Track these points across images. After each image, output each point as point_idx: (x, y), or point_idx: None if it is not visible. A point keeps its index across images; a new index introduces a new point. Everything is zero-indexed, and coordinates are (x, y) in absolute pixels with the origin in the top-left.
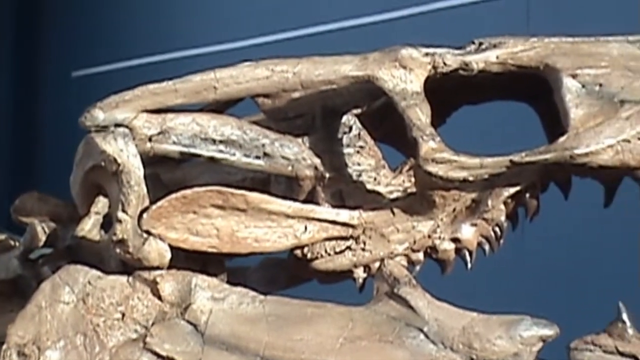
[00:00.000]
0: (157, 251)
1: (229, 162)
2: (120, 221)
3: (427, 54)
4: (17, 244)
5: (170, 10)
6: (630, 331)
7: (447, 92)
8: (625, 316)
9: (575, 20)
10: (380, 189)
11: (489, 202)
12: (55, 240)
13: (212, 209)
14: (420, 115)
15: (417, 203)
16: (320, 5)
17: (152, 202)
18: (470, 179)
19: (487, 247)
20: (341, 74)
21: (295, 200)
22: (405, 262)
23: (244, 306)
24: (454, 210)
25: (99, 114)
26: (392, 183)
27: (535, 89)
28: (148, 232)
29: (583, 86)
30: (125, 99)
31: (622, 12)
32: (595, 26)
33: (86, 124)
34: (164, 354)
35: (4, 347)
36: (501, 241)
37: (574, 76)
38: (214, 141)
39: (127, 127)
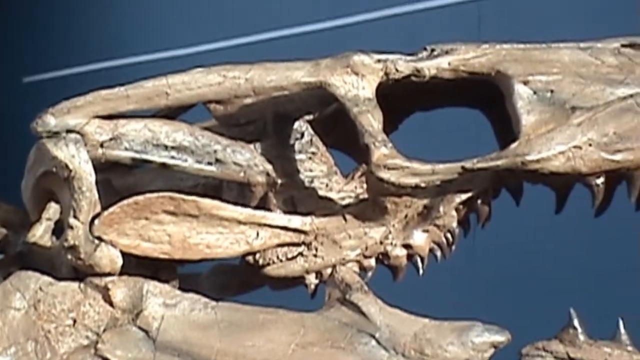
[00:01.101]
0: (108, 257)
1: (181, 168)
2: (71, 227)
3: (379, 61)
4: None
5: (122, 17)
6: (581, 337)
7: (399, 99)
8: (576, 322)
9: (526, 26)
10: (332, 195)
11: (441, 209)
12: (7, 246)
13: (164, 215)
14: (372, 121)
15: (369, 209)
16: (271, 12)
17: (104, 208)
18: (422, 185)
19: (438, 253)
20: (293, 80)
21: (247, 206)
22: (357, 268)
23: (196, 312)
24: (406, 216)
25: (50, 120)
26: (344, 189)
27: (487, 96)
28: (99, 239)
29: (534, 93)
30: (77, 105)
31: (574, 16)
32: (547, 33)
33: (38, 129)
34: None
35: None
36: (453, 247)
37: (525, 83)
38: (165, 147)
39: (79, 133)
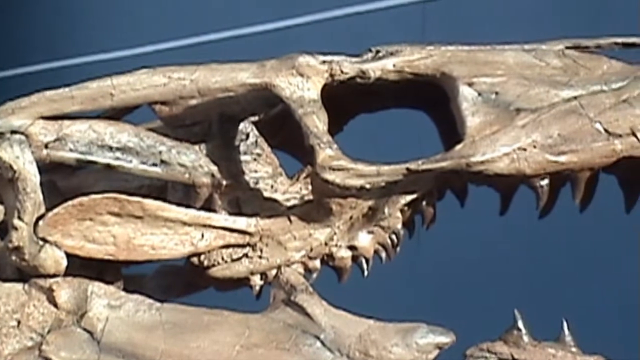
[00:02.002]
0: (53, 258)
1: (125, 169)
2: (16, 228)
3: (324, 62)
4: None
5: (66, 18)
6: (526, 338)
7: (344, 100)
8: (520, 323)
9: (471, 28)
10: (277, 196)
11: (386, 210)
12: None
13: (109, 216)
14: (317, 122)
15: (314, 211)
16: (217, 13)
17: (49, 210)
18: (367, 186)
19: (383, 254)
20: (238, 81)
21: (192, 207)
22: (302, 270)
23: (141, 314)
24: (351, 217)
25: None
26: (289, 190)
27: (432, 97)
28: (44, 240)
29: (479, 94)
30: (21, 106)
31: (519, 18)
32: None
33: None
34: None
35: None
36: (398, 249)
37: (470, 84)
38: (110, 148)
39: (24, 133)
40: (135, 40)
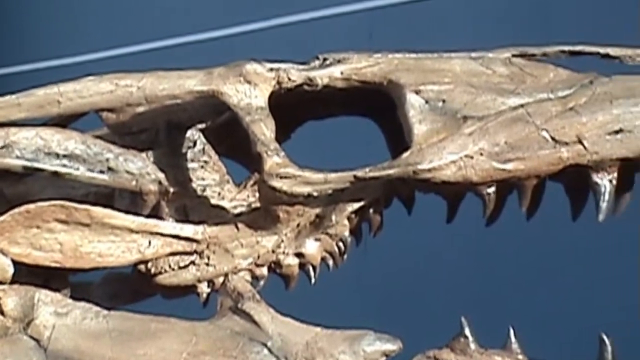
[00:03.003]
0: None
1: (72, 177)
2: None
3: (271, 69)
4: None
5: (11, 25)
6: (472, 346)
7: (291, 108)
8: (467, 331)
9: (418, 36)
10: (225, 203)
11: (333, 218)
12: None
13: (56, 224)
14: (264, 130)
15: (261, 218)
16: (164, 20)
17: None
18: (315, 194)
19: (330, 262)
20: (186, 88)
21: (139, 214)
22: (249, 277)
23: (87, 321)
24: (298, 225)
25: None
26: (236, 198)
27: (379, 105)
28: None
29: (426, 102)
30: None
31: (465, 26)
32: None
33: None
34: None
35: None
36: (345, 256)
37: (417, 92)
38: (57, 155)
39: None
40: (81, 47)
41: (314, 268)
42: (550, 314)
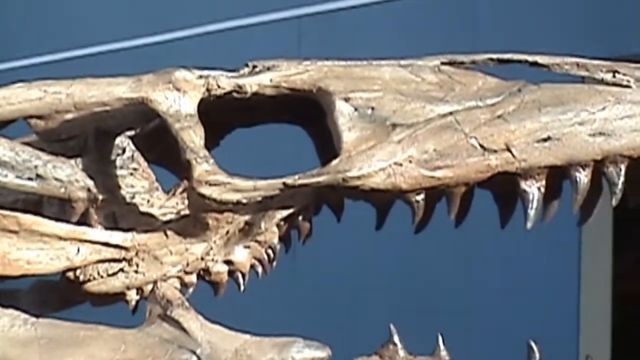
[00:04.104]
0: None
1: (1, 184)
2: None
3: (200, 77)
4: None
5: None
6: (402, 353)
7: (220, 115)
8: (396, 338)
9: (347, 43)
10: (154, 211)
11: (262, 225)
12: None
13: None
14: (193, 137)
15: (190, 225)
16: (92, 27)
17: None
18: (244, 201)
19: (260, 269)
20: (115, 95)
21: (68, 222)
22: (178, 284)
23: (16, 329)
24: (227, 232)
25: None
26: (165, 205)
27: (309, 112)
28: None
29: (355, 109)
30: None
31: (394, 33)
32: (367, 50)
33: None
34: None
35: None
36: (274, 263)
37: (346, 99)
38: None
39: None
40: (10, 54)
41: (243, 275)
42: (479, 321)
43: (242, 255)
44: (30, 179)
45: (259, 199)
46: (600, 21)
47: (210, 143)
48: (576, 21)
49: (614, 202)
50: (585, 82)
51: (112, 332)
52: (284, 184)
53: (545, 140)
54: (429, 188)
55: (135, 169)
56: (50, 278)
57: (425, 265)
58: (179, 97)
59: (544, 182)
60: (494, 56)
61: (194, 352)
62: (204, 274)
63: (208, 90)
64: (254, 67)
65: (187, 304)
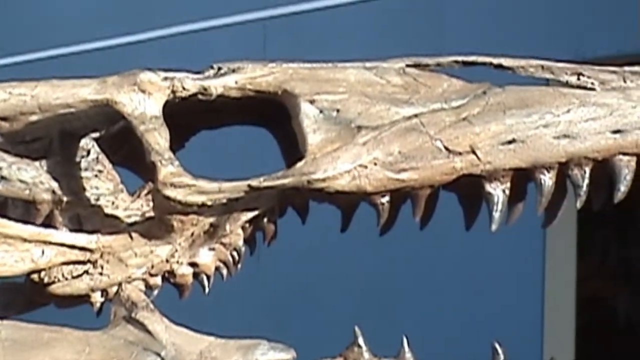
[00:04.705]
0: None
1: None
2: None
3: (165, 78)
4: None
5: None
6: (367, 355)
7: (186, 117)
8: (361, 340)
9: (312, 45)
10: (119, 213)
11: (227, 227)
12: None
13: None
14: (158, 139)
15: (155, 227)
16: (57, 28)
17: None
18: (209, 203)
19: (224, 271)
20: (79, 97)
21: (32, 224)
22: (143, 287)
23: None
24: (192, 234)
25: None
26: (130, 207)
27: (274, 114)
28: None
29: (321, 112)
30: None
31: (359, 36)
32: (332, 52)
33: None
34: None
35: None
36: (239, 265)
37: (311, 102)
38: None
39: None
40: None
41: (208, 277)
42: (443, 323)
43: (207, 258)
44: None
45: (224, 201)
46: (565, 24)
47: (176, 145)
48: (541, 24)
49: (579, 205)
50: (549, 84)
51: (77, 334)
52: (249, 186)
53: (510, 142)
54: (393, 190)
55: (100, 171)
56: (14, 280)
57: (390, 267)
58: (143, 99)
59: (508, 185)
60: (459, 58)
61: (158, 355)
62: (168, 276)
63: (173, 92)
64: (219, 69)
65: (151, 306)
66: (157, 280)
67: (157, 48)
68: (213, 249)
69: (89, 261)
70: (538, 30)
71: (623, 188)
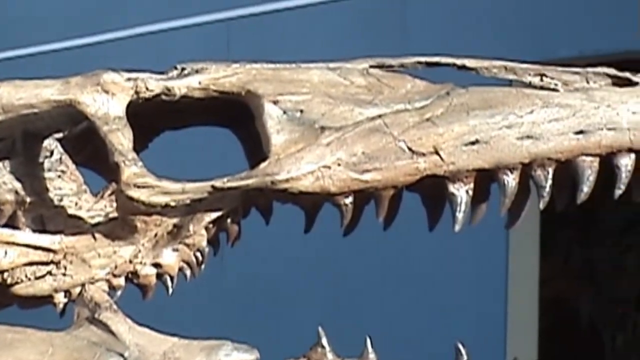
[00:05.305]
0: None
1: None
2: None
3: (129, 79)
4: None
5: None
6: (330, 356)
7: (149, 117)
8: (324, 341)
9: (275, 46)
10: (82, 213)
11: (191, 227)
12: None
13: None
14: (122, 140)
15: (118, 228)
16: (19, 29)
17: None
18: (172, 204)
19: (188, 272)
20: (43, 97)
21: None
22: (106, 287)
23: None
24: (156, 235)
25: None
26: (93, 208)
27: (238, 115)
28: None
29: (284, 112)
30: None
31: (322, 36)
32: (296, 53)
33: None
34: None
35: None
36: (202, 266)
37: (275, 102)
38: None
39: None
40: None
41: (172, 278)
42: (407, 324)
43: (170, 258)
44: None
45: (188, 201)
46: (528, 25)
47: (139, 146)
48: (504, 25)
49: (542, 205)
50: (513, 85)
51: (40, 335)
52: (212, 186)
53: (473, 143)
54: (357, 191)
55: (63, 172)
56: None
57: (354, 268)
58: (107, 100)
59: (472, 185)
60: (423, 59)
61: (121, 355)
62: (132, 276)
63: (137, 92)
64: (183, 69)
65: (115, 306)
66: (121, 281)
67: (120, 48)
68: (176, 250)
69: (52, 262)
70: (502, 31)
71: (586, 189)
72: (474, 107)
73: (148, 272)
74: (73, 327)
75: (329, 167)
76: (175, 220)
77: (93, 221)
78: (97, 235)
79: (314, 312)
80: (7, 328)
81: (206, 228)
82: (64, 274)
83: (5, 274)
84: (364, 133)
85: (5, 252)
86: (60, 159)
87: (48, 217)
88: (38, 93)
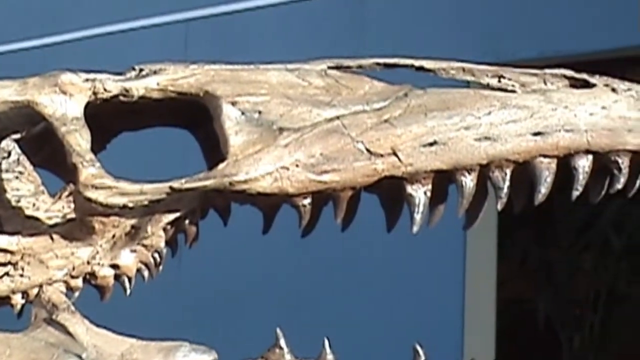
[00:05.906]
0: None
1: None
2: None
3: (87, 80)
4: None
5: None
6: (288, 357)
7: (107, 118)
8: (282, 342)
9: (233, 47)
10: (39, 214)
11: (149, 229)
12: None
13: None
14: (80, 141)
15: (76, 229)
16: None
17: None
18: (130, 205)
19: (146, 273)
20: (0, 98)
21: None
22: (64, 288)
23: None
24: (114, 236)
25: None
26: (51, 209)
27: (196, 116)
28: None
29: (242, 113)
30: None
31: (281, 37)
32: (254, 54)
33: None
34: None
35: None
36: (160, 267)
37: (233, 103)
38: None
39: None
40: None
41: (130, 279)
42: (364, 325)
43: (128, 259)
44: None
45: (146, 202)
46: (487, 27)
47: (97, 147)
48: (462, 26)
49: (499, 207)
50: (471, 86)
51: None
52: (170, 187)
53: (431, 144)
54: (315, 192)
55: (20, 173)
56: None
57: (312, 269)
58: (65, 101)
59: (430, 187)
60: (381, 60)
61: (79, 356)
62: (90, 277)
63: (94, 93)
64: (141, 70)
65: (72, 308)
66: (78, 282)
67: (78, 49)
68: (134, 251)
69: (9, 263)
70: (459, 32)
71: (543, 190)
72: (431, 108)
73: (106, 273)
74: (30, 328)
75: (287, 168)
76: (133, 222)
77: (51, 222)
78: (54, 236)
79: (272, 313)
80: None
81: (164, 229)
82: (22, 275)
83: None
84: (322, 134)
85: None
86: (18, 159)
87: (5, 218)
88: None
